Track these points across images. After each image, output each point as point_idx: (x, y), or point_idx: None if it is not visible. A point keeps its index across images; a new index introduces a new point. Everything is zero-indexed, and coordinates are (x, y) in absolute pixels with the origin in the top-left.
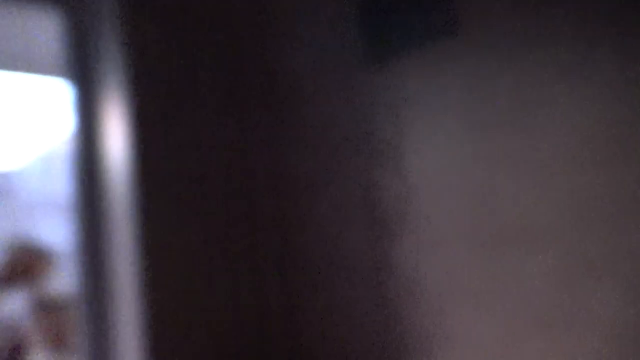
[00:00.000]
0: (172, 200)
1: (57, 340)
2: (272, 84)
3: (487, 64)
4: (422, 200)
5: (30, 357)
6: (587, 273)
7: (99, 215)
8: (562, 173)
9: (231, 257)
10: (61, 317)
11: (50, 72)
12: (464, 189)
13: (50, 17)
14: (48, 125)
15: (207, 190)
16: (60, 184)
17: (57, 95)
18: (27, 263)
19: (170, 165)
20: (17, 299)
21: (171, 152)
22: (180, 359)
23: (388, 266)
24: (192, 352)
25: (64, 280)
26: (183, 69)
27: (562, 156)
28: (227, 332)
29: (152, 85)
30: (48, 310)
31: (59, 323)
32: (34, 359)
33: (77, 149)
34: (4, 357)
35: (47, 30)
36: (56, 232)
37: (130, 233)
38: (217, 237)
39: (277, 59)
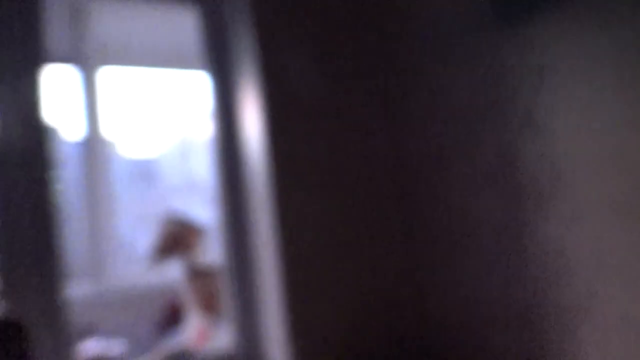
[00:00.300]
0: (304, 178)
1: (208, 304)
2: (396, 51)
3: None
4: (566, 168)
5: (185, 317)
6: None
7: (239, 194)
8: None
9: (361, 231)
10: (211, 284)
11: (189, 65)
12: (613, 157)
13: (188, 13)
14: (188, 114)
15: (336, 166)
16: (199, 167)
17: (196, 87)
18: (182, 235)
19: (301, 147)
20: (174, 267)
21: (302, 134)
22: (316, 324)
23: (528, 239)
24: (326, 317)
25: (212, 251)
26: (312, 54)
27: None
28: (358, 301)
29: (284, 73)
30: (200, 277)
31: (209, 289)
32: (189, 319)
33: (216, 135)
34: (165, 315)
35: (185, 27)
36: (197, 210)
37: (267, 210)
38: (348, 211)
39: (399, 24)
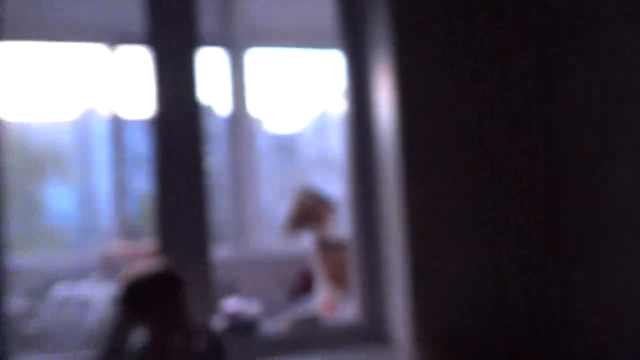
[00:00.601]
0: (434, 157)
1: (336, 277)
2: (544, 34)
3: None
4: None
5: (316, 287)
6: None
7: (369, 170)
8: None
9: (494, 216)
10: (340, 257)
11: (327, 45)
12: None
13: None
14: (326, 91)
15: (466, 144)
16: (333, 143)
17: (333, 66)
18: (314, 209)
19: (432, 126)
20: (306, 238)
21: (433, 113)
22: (440, 304)
23: None
24: (452, 298)
25: (343, 226)
26: (444, 35)
27: None
28: (487, 281)
29: (416, 51)
30: (329, 250)
31: (337, 262)
32: (318, 289)
33: (349, 112)
34: (298, 283)
35: (324, 9)
36: (333, 184)
37: (396, 187)
38: (480, 193)
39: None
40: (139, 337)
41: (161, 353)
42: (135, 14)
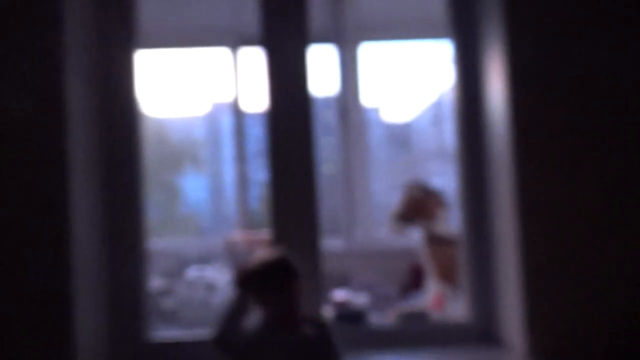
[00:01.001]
0: (547, 150)
1: (445, 273)
2: None
3: None
4: None
5: (424, 282)
6: None
7: (481, 163)
8: None
9: (611, 215)
10: (449, 253)
11: (436, 35)
12: None
13: None
14: (436, 81)
15: (583, 136)
16: (447, 133)
17: (445, 56)
18: (423, 203)
19: (545, 119)
20: (416, 232)
21: (546, 106)
22: (553, 304)
23: None
24: (566, 299)
25: (452, 220)
26: (560, 22)
27: None
28: (611, 285)
29: (530, 39)
30: (439, 246)
31: (447, 258)
32: (428, 284)
33: (460, 102)
34: (408, 278)
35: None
36: (444, 176)
37: (509, 180)
38: (598, 185)
39: None
40: (253, 320)
41: (273, 337)
42: (254, 17)
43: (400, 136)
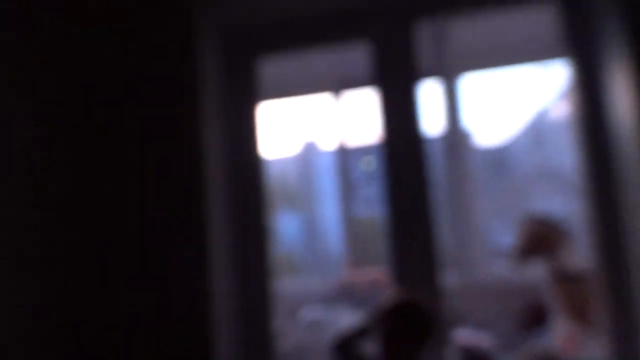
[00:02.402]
0: None
1: (577, 312)
2: None
3: None
4: None
5: (550, 319)
6: None
7: (610, 186)
8: None
9: None
10: (580, 290)
11: (549, 56)
12: None
13: (546, 8)
14: (532, 102)
15: None
16: (549, 154)
17: (541, 77)
18: (546, 236)
19: None
20: (539, 268)
21: None
22: None
23: None
24: None
25: (581, 253)
26: None
27: None
28: None
29: None
30: (567, 281)
31: (578, 295)
32: (556, 323)
33: (583, 123)
34: (530, 314)
35: (543, 22)
36: (548, 199)
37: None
38: None
39: None
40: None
41: None
42: (356, 61)
43: (500, 159)
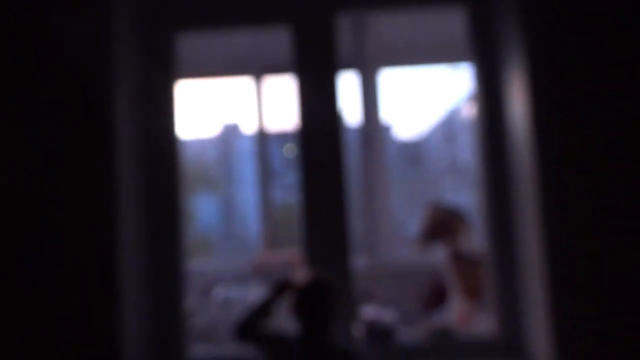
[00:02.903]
0: (570, 167)
1: (470, 290)
2: None
3: None
4: None
5: (447, 299)
6: None
7: (503, 179)
8: None
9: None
10: (474, 271)
11: (456, 59)
12: None
13: (457, 12)
14: (446, 99)
15: (603, 157)
16: (458, 150)
17: (457, 76)
18: (447, 223)
19: (566, 134)
20: (440, 252)
21: (567, 120)
22: (580, 321)
23: None
24: (593, 315)
25: (475, 239)
26: (575, 44)
27: None
28: (629, 306)
29: (548, 62)
30: (463, 263)
31: (471, 276)
32: (452, 301)
33: (481, 120)
34: (431, 294)
35: (453, 25)
36: (461, 192)
37: (533, 196)
38: (622, 196)
39: None
40: (291, 329)
41: (304, 347)
42: (278, 47)
43: (415, 153)
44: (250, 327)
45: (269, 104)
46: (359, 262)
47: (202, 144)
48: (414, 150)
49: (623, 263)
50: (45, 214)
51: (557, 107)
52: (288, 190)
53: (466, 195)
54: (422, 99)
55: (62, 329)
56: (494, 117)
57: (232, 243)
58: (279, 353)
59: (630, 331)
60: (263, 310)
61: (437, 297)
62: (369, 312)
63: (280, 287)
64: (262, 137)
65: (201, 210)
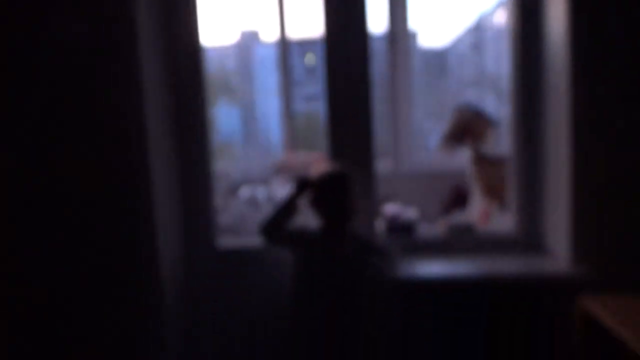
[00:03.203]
0: (603, 72)
1: (492, 190)
2: None
3: None
4: None
5: (470, 201)
6: None
7: (535, 86)
8: None
9: None
10: (496, 172)
11: None
12: None
13: None
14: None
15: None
16: (487, 59)
17: None
18: (472, 124)
19: (603, 40)
20: (463, 157)
21: (605, 26)
22: (600, 223)
23: None
24: (612, 218)
25: (501, 142)
26: None
27: None
28: None
29: None
30: (486, 165)
31: (494, 177)
32: (473, 201)
33: (516, 26)
34: (452, 197)
35: None
36: (488, 101)
37: (563, 101)
38: None
39: None
40: (312, 225)
41: (325, 241)
42: None
43: (438, 62)
44: (275, 226)
45: (291, 9)
46: (382, 167)
47: (220, 51)
48: (439, 59)
49: None
50: (70, 123)
51: (597, 14)
52: (309, 100)
53: (492, 107)
54: (451, 3)
55: (100, 230)
56: (529, 22)
57: (255, 149)
58: (302, 248)
59: None
60: (286, 209)
61: (458, 199)
62: (391, 209)
63: (301, 185)
64: (283, 45)
65: (222, 118)
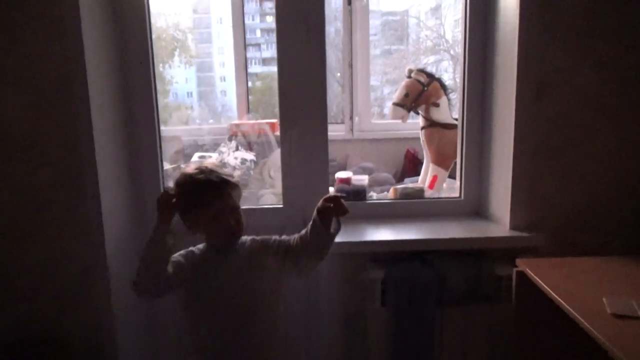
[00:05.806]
0: (553, 28)
1: (442, 155)
2: None
3: None
4: None
5: (422, 166)
6: None
7: (486, 55)
8: None
9: (609, 97)
10: (446, 137)
11: None
12: None
13: None
14: None
15: (586, 21)
16: (448, 25)
17: None
18: (425, 87)
19: (554, 7)
20: (415, 124)
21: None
22: (540, 184)
23: None
24: (551, 183)
25: (452, 107)
26: None
27: None
28: (593, 173)
29: None
30: (436, 132)
31: (443, 142)
32: (423, 167)
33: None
34: (406, 162)
35: None
36: (439, 70)
37: (510, 71)
38: (594, 74)
39: None
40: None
41: (216, 256)
42: None
43: (397, 25)
44: (152, 279)
45: None
46: (336, 131)
47: (175, 10)
48: (398, 23)
49: (590, 134)
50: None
51: None
52: (265, 62)
53: (449, 73)
54: None
55: (43, 190)
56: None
57: (209, 112)
58: (193, 276)
59: (580, 198)
60: (154, 250)
61: (410, 165)
62: (344, 173)
63: (163, 203)
64: (238, 3)
65: (176, 80)
